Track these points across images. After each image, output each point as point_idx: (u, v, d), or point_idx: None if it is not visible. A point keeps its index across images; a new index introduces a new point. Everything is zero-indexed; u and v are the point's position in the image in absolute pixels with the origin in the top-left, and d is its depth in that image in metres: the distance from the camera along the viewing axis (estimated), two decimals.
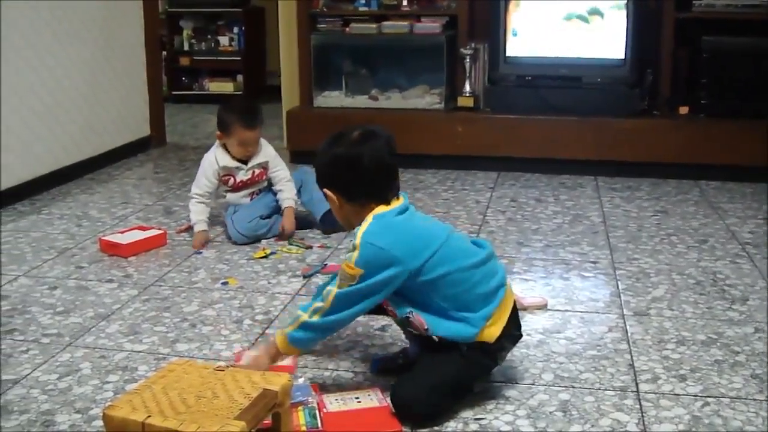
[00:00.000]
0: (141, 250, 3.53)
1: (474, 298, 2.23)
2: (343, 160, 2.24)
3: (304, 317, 2.19)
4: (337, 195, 2.27)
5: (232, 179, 3.75)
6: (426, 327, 2.22)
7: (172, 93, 7.86)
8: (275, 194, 3.85)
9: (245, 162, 3.74)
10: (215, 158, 3.70)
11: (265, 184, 3.88)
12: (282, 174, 3.82)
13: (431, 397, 2.16)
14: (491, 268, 2.31)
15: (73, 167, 4.82)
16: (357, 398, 2.26)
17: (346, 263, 2.16)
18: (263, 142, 3.82)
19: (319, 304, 2.19)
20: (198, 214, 3.68)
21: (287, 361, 2.43)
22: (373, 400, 2.25)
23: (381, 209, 2.23)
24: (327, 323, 2.19)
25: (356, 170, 2.23)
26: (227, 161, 3.71)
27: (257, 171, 3.79)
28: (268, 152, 3.82)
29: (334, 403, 2.23)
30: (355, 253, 2.14)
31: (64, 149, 4.74)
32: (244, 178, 3.76)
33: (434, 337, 2.23)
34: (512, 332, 2.32)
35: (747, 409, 2.23)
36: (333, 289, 2.17)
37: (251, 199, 3.80)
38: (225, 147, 3.72)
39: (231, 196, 3.80)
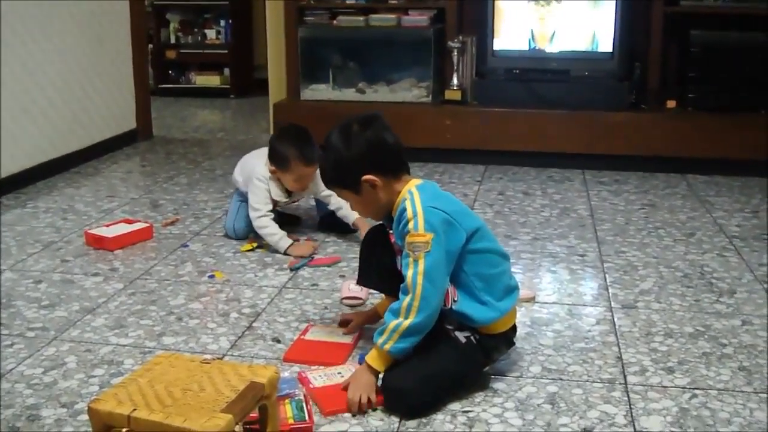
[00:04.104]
0: (127, 244, 3.50)
1: (502, 286, 2.30)
2: (377, 139, 2.27)
3: (405, 323, 2.16)
4: (380, 175, 2.26)
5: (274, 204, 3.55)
6: (456, 298, 2.24)
7: (159, 86, 7.85)
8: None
9: (290, 194, 3.54)
10: (269, 191, 3.45)
11: None
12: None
13: (423, 389, 2.16)
14: (510, 268, 2.40)
15: (58, 160, 4.79)
16: (339, 373, 2.35)
17: (412, 234, 2.16)
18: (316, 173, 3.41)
19: (406, 300, 2.16)
20: (278, 230, 3.43)
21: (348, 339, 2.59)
22: (353, 371, 2.32)
23: (415, 181, 2.29)
24: (428, 314, 2.17)
25: (388, 145, 2.29)
26: (279, 196, 3.49)
27: (298, 198, 3.69)
28: (317, 182, 3.41)
29: (318, 379, 2.32)
30: (420, 221, 2.16)
31: (49, 142, 4.72)
32: (282, 203, 3.62)
33: (449, 316, 2.26)
34: (509, 336, 2.37)
35: (734, 401, 2.23)
36: (410, 272, 2.15)
37: None
38: (278, 180, 3.47)
39: None
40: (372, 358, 2.22)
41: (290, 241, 3.42)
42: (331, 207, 3.60)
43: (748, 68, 4.72)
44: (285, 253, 3.39)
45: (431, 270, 2.15)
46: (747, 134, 4.68)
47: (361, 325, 2.63)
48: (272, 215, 3.47)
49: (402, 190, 2.27)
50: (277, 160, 3.41)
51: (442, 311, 2.22)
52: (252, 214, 3.46)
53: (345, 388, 2.23)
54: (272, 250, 3.44)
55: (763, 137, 4.64)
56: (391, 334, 2.18)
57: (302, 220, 3.86)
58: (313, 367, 2.41)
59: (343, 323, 2.66)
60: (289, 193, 3.52)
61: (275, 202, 3.52)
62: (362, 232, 3.35)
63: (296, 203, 3.77)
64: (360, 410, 2.18)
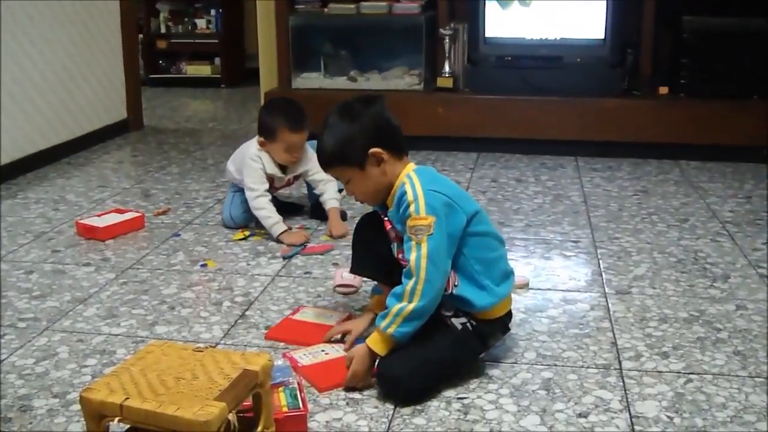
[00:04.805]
0: (118, 233, 3.48)
1: (500, 271, 2.30)
2: (382, 116, 2.28)
3: (409, 306, 2.14)
4: (387, 151, 2.24)
5: (269, 184, 3.53)
6: (456, 283, 2.23)
7: (150, 76, 7.81)
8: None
9: (284, 170, 3.51)
10: (263, 164, 3.43)
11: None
12: (323, 175, 3.48)
13: (418, 376, 2.15)
14: (506, 253, 2.39)
15: (49, 151, 4.76)
16: (323, 351, 2.42)
17: (413, 218, 2.15)
18: (308, 147, 3.47)
19: (410, 284, 2.15)
20: (274, 214, 3.42)
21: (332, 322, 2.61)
22: (338, 351, 2.41)
23: (411, 165, 2.29)
24: (432, 297, 2.16)
25: (393, 123, 2.29)
26: (274, 170, 3.45)
27: (292, 179, 3.61)
28: (309, 157, 3.46)
29: (304, 357, 2.38)
30: (421, 204, 2.15)
31: (40, 133, 4.69)
32: (278, 185, 3.59)
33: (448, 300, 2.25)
34: (505, 321, 2.36)
35: (730, 386, 2.23)
36: (413, 256, 2.14)
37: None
38: (269, 153, 3.44)
39: None
40: (374, 341, 2.20)
41: (284, 227, 3.40)
42: (316, 191, 3.59)
43: (741, 54, 4.70)
44: (277, 240, 3.38)
45: (434, 253, 2.14)
46: (739, 120, 4.68)
47: (361, 332, 2.48)
48: (269, 196, 3.45)
49: (400, 173, 2.26)
50: (264, 130, 3.41)
51: (442, 297, 2.21)
52: (248, 195, 3.44)
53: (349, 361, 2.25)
54: (265, 238, 3.42)
55: (755, 123, 4.64)
56: (395, 318, 2.16)
57: (303, 207, 3.83)
58: (295, 347, 2.46)
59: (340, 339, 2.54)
60: (283, 169, 3.49)
61: (272, 181, 3.50)
62: (331, 224, 3.47)
63: (288, 185, 3.69)
64: (354, 388, 2.22)
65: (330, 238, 3.45)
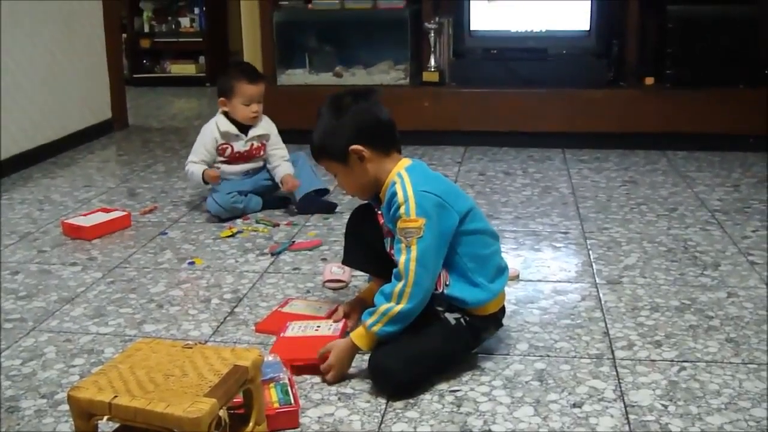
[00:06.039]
0: (105, 233, 3.45)
1: (494, 267, 2.28)
2: (368, 112, 2.25)
3: (396, 308, 2.13)
4: (370, 148, 2.21)
5: (229, 149, 3.66)
6: (447, 282, 2.22)
7: (134, 76, 7.77)
8: (267, 173, 3.79)
9: (246, 132, 3.66)
10: (216, 125, 3.63)
11: (262, 163, 3.77)
12: (281, 152, 3.75)
13: (410, 368, 2.13)
14: (500, 248, 2.37)
15: (34, 151, 4.72)
16: (318, 326, 2.44)
17: (404, 220, 2.12)
18: (265, 117, 3.74)
19: (398, 285, 2.13)
20: (196, 167, 3.62)
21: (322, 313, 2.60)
22: (331, 329, 2.41)
23: (404, 162, 2.26)
24: (420, 300, 2.14)
25: (379, 119, 2.26)
26: (228, 127, 3.62)
27: (256, 144, 3.69)
28: (270, 126, 3.75)
29: (295, 329, 2.43)
30: (411, 205, 2.12)
31: (23, 133, 4.64)
32: (242, 150, 3.67)
33: (440, 300, 2.23)
34: (498, 317, 2.35)
35: (723, 373, 2.22)
36: (402, 258, 2.12)
37: (244, 176, 3.74)
38: (227, 115, 3.64)
39: (225, 168, 3.67)
40: (358, 336, 2.19)
41: (204, 167, 3.61)
42: (270, 165, 3.76)
43: (726, 43, 4.70)
44: (204, 182, 3.62)
45: (424, 256, 2.12)
46: (726, 109, 4.68)
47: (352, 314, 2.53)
48: (202, 165, 3.62)
49: (392, 170, 2.24)
50: (223, 90, 3.63)
51: (433, 294, 2.19)
52: (186, 166, 3.67)
53: (321, 357, 2.23)
54: (253, 234, 3.41)
55: (741, 112, 4.65)
56: (381, 317, 2.15)
57: (290, 201, 3.81)
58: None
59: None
60: (241, 130, 3.64)
61: (231, 147, 3.64)
62: (284, 179, 3.65)
63: (255, 155, 3.74)
64: (327, 382, 2.21)
65: (283, 190, 3.71)
